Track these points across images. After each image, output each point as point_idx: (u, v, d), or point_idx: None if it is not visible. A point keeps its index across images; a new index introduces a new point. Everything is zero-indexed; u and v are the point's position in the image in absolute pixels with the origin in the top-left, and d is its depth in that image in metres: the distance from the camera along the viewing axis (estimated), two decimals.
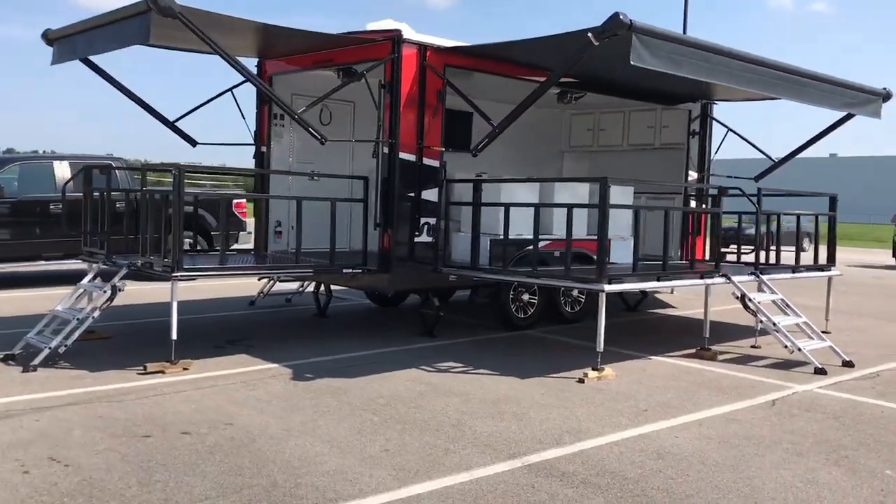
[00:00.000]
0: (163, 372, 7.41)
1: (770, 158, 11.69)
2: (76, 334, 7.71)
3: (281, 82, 10.47)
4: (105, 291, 7.87)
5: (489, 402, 6.73)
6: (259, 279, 11.90)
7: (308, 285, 12.43)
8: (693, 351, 9.00)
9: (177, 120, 9.91)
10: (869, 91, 10.26)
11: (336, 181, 10.88)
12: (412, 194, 8.87)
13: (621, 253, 10.81)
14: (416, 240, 8.94)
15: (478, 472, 5.04)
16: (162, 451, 5.27)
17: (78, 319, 7.72)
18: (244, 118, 10.46)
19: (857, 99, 10.06)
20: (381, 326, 10.40)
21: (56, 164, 13.54)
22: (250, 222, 11.90)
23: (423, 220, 8.96)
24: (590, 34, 7.10)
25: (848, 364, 8.47)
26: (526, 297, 10.15)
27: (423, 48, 8.81)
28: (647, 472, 5.13)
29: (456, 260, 9.38)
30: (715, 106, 12.49)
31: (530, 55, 8.97)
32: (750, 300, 8.67)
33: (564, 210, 9.26)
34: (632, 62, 7.08)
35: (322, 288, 11.01)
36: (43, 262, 13.41)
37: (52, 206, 13.26)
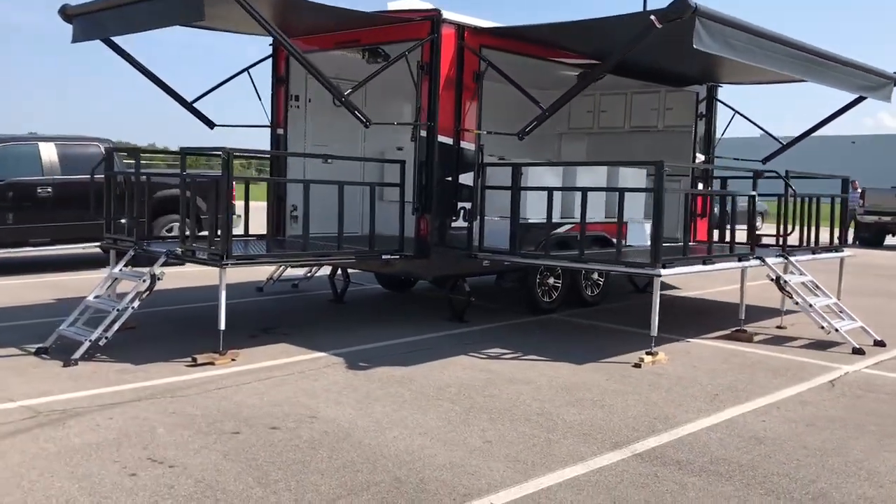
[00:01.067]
0: (212, 363, 7.16)
1: (778, 141, 11.83)
2: (116, 326, 7.38)
3: (297, 63, 10.15)
4: (144, 280, 7.54)
5: (559, 389, 6.67)
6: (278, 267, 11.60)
7: (316, 270, 12.19)
8: (728, 332, 9.09)
9: (195, 101, 9.56)
10: (881, 74, 10.44)
11: (347, 165, 10.68)
12: (449, 178, 8.71)
13: (637, 236, 10.90)
14: (454, 224, 8.79)
15: (594, 463, 4.98)
16: (261, 449, 5.07)
17: (118, 310, 7.39)
18: (260, 99, 10.17)
19: (872, 82, 10.24)
20: (405, 312, 10.24)
21: (42, 145, 12.95)
22: (239, 205, 11.68)
23: (459, 205, 8.82)
24: (652, 17, 7.03)
25: (880, 343, 8.65)
26: (551, 280, 10.11)
27: (461, 28, 8.63)
28: (757, 458, 5.14)
29: (484, 244, 9.26)
30: (719, 88, 12.59)
31: (577, 38, 8.87)
32: (785, 282, 8.78)
33: (597, 195, 9.31)
34: (694, 46, 7.05)
35: (339, 273, 10.80)
36: (30, 249, 12.87)
37: (39, 190, 12.72)
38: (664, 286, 13.05)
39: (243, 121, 10.29)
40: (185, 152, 7.58)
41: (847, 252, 11.01)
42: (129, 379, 6.63)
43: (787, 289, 8.79)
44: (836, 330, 8.53)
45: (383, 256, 8.48)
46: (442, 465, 4.87)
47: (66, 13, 8.28)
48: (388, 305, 10.82)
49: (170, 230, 14.13)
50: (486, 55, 8.79)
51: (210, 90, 9.71)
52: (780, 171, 10.06)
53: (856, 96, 10.71)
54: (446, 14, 8.46)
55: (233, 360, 7.31)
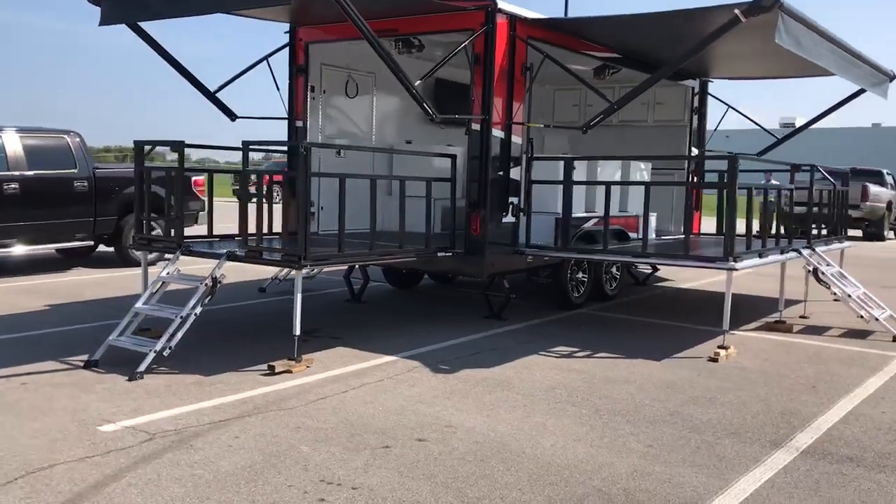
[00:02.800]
0: (290, 371, 6.70)
1: (772, 135, 12.13)
2: (180, 334, 6.80)
3: (316, 52, 9.68)
4: (206, 283, 6.98)
5: (663, 387, 6.57)
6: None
7: (320, 270, 11.68)
8: (768, 323, 9.25)
9: (217, 91, 8.97)
10: (882, 70, 10.84)
11: (366, 158, 10.31)
12: (501, 173, 8.48)
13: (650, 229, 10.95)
14: (504, 220, 8.57)
15: (772, 463, 4.88)
16: (429, 464, 4.74)
17: (181, 317, 6.80)
18: (279, 89, 9.65)
19: (877, 78, 10.60)
20: (433, 310, 9.92)
21: (4, 135, 11.87)
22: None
23: (509, 200, 8.61)
24: (737, 11, 7.01)
25: None
26: (580, 275, 10.03)
27: (512, 19, 8.39)
28: None
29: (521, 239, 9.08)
30: (710, 83, 12.82)
31: (640, 32, 8.75)
32: (822, 273, 8.99)
33: (614, 189, 9.30)
34: (776, 41, 7.08)
35: (357, 272, 10.39)
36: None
37: (4, 186, 11.67)
38: (658, 278, 13.23)
39: (257, 112, 9.73)
40: (247, 146, 7.03)
41: (847, 244, 11.40)
42: (214, 392, 6.11)
43: (825, 280, 9.00)
44: (877, 319, 8.79)
45: (439, 254, 8.16)
46: (627, 473, 4.68)
47: None
48: (410, 304, 10.47)
49: None
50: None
51: (232, 79, 9.14)
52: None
53: (857, 89, 11.06)
54: (500, 4, 8.20)
55: (307, 367, 6.87)
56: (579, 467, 4.75)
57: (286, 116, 9.58)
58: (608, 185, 8.42)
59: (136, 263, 13.16)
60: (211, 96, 8.86)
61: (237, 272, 11.55)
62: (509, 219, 8.63)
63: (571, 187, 8.49)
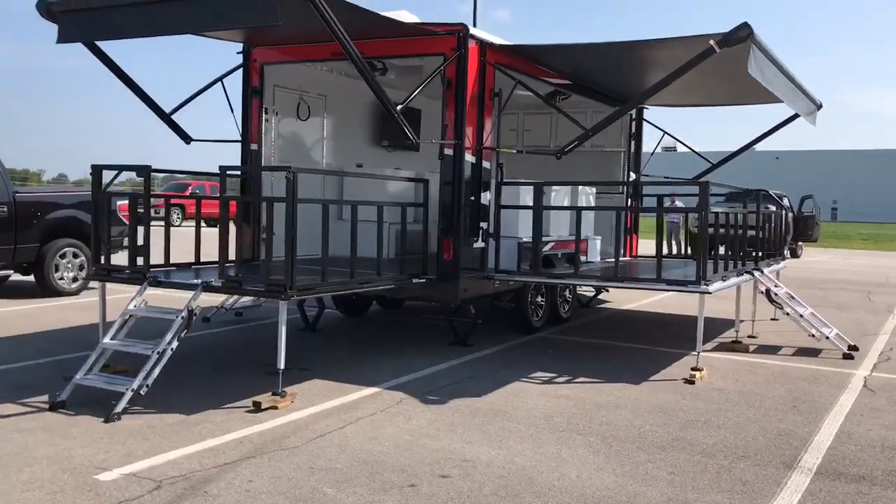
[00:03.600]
0: (276, 407, 6.41)
1: (707, 160, 12.55)
2: (156, 371, 6.39)
3: (270, 74, 9.40)
4: (181, 317, 6.60)
5: (655, 411, 6.61)
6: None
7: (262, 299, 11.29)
8: (720, 343, 9.54)
9: (172, 112, 8.57)
10: (813, 100, 11.40)
11: (316, 183, 10.05)
12: (472, 198, 8.42)
13: (594, 252, 11.18)
14: (475, 245, 8.50)
15: (793, 485, 4.97)
16: (464, 501, 4.59)
17: (158, 353, 6.39)
18: (233, 111, 9.32)
19: (809, 107, 11.14)
20: (393, 337, 9.75)
21: None
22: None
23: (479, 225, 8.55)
24: (712, 42, 7.21)
25: (853, 348, 9.37)
26: (539, 299, 10.06)
27: (482, 45, 8.38)
28: None
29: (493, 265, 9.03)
30: (646, 109, 13.17)
31: (607, 59, 8.86)
32: (775, 294, 9.32)
33: (564, 213, 9.43)
34: (749, 71, 7.32)
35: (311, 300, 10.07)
36: None
37: None
38: (599, 300, 13.42)
39: (207, 135, 9.36)
40: (224, 170, 6.71)
41: (783, 264, 11.89)
42: (204, 432, 5.77)
43: (777, 300, 9.33)
44: (827, 337, 9.17)
45: (413, 280, 8.02)
46: (664, 502, 4.66)
47: (49, 10, 7.09)
48: (366, 331, 10.26)
49: (63, 255, 12.56)
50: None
51: (186, 101, 8.74)
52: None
53: (788, 117, 11.59)
54: (472, 29, 8.18)
55: (292, 402, 6.59)
56: (614, 498, 4.70)
57: (240, 139, 9.24)
58: (578, 209, 8.49)
59: (59, 293, 12.42)
60: (166, 118, 8.45)
61: (169, 301, 11.03)
62: (479, 244, 8.58)
63: (541, 212, 8.50)
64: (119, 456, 5.24)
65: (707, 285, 7.83)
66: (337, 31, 6.37)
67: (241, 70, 9.31)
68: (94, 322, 10.27)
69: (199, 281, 6.86)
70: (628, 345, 9.57)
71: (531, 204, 9.39)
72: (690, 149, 12.86)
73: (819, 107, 11.77)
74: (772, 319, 11.07)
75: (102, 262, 7.50)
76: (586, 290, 12.61)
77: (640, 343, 9.68)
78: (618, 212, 10.79)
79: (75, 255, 12.80)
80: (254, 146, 9.33)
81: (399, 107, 7.38)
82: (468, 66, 8.15)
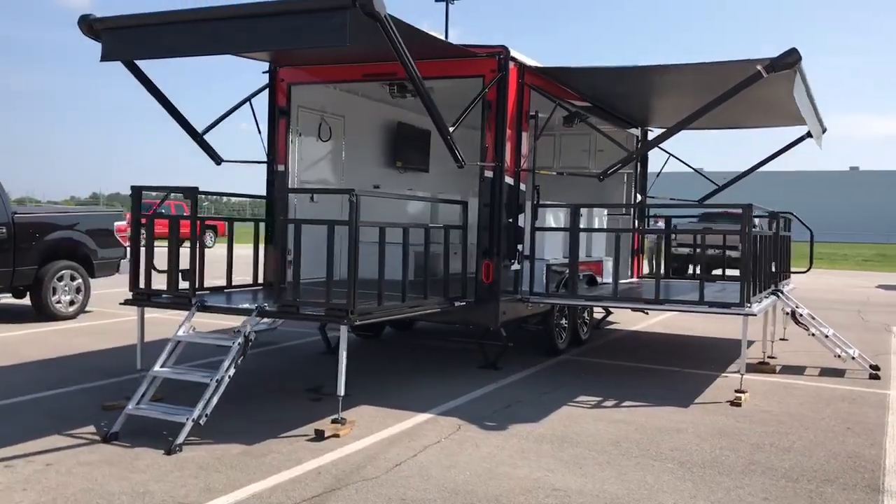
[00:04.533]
0: (337, 436, 6.24)
1: (713, 182, 12.68)
2: (215, 400, 6.19)
3: (298, 94, 9.26)
4: (236, 343, 6.41)
5: (717, 435, 6.59)
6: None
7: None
8: (747, 363, 9.54)
9: (204, 132, 8.36)
10: (822, 123, 11.60)
11: (332, 203, 9.89)
12: (510, 220, 8.37)
13: (608, 273, 11.21)
14: (512, 268, 8.45)
15: None
16: None
17: (216, 381, 6.19)
18: (260, 132, 9.15)
19: (818, 129, 11.33)
20: (420, 360, 9.62)
21: None
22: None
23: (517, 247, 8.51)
24: (759, 67, 7.29)
25: (875, 368, 9.51)
26: (563, 322, 10.03)
27: (521, 67, 8.36)
28: None
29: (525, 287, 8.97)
30: (650, 132, 13.28)
31: (642, 83, 8.88)
32: (800, 315, 9.42)
33: (582, 234, 9.37)
34: (794, 94, 7.42)
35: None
36: None
37: None
38: (609, 322, 13.41)
39: (235, 156, 9.14)
40: (291, 190, 6.55)
41: (791, 285, 12.04)
42: (275, 463, 5.59)
43: (803, 321, 9.43)
44: (853, 358, 9.28)
45: (456, 304, 7.92)
46: None
47: (91, 26, 6.86)
48: (388, 355, 10.10)
49: (60, 278, 12.17)
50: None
51: (217, 121, 8.55)
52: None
53: (796, 139, 11.75)
54: (512, 52, 8.16)
55: (351, 429, 6.42)
56: None
57: (267, 160, 9.07)
58: (618, 231, 8.50)
59: (57, 317, 12.02)
60: (199, 138, 8.25)
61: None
62: (516, 266, 8.52)
63: (577, 235, 8.49)
64: (199, 490, 5.04)
65: (750, 307, 7.86)
66: (403, 54, 6.28)
67: (266, 90, 9.14)
68: (103, 347, 10.04)
69: (254, 306, 6.66)
70: (655, 367, 9.57)
71: (555, 225, 9.44)
72: (697, 171, 12.98)
73: (825, 130, 12.01)
74: (781, 339, 11.19)
75: (142, 286, 7.22)
76: (597, 312, 12.60)
77: (667, 365, 9.69)
78: (639, 233, 10.82)
79: (73, 278, 12.42)
80: (280, 167, 9.15)
81: (452, 129, 7.29)
82: (508, 88, 8.12)
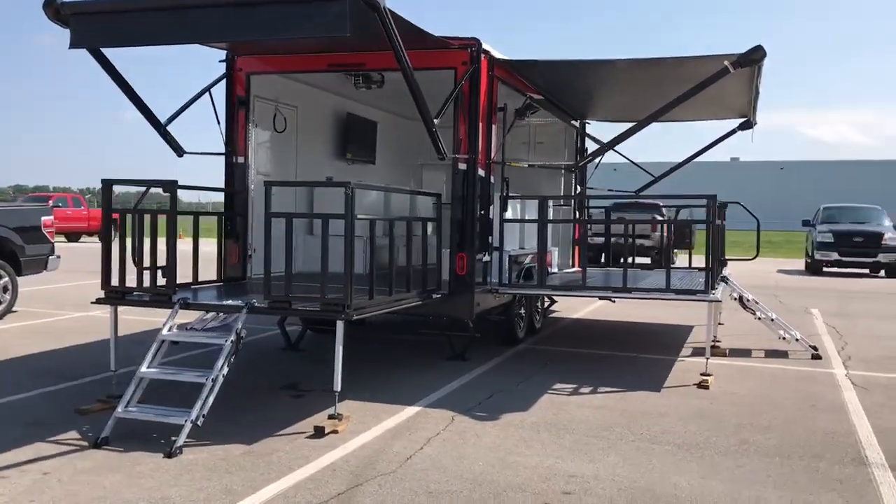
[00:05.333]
0: (336, 431, 6.19)
1: (649, 174, 13.07)
2: (211, 400, 6.01)
3: (257, 84, 9.04)
4: (229, 342, 6.24)
5: (697, 417, 6.85)
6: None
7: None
8: (694, 349, 9.98)
9: (167, 123, 8.06)
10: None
11: (290, 195, 9.74)
12: (482, 212, 8.43)
13: (556, 263, 11.52)
14: (484, 259, 8.52)
15: (886, 480, 5.32)
16: None
17: (212, 380, 6.01)
18: (219, 123, 8.90)
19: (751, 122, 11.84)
20: (382, 354, 9.58)
21: None
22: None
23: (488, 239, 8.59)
24: (726, 62, 7.59)
25: (814, 348, 10.04)
26: (521, 311, 10.18)
27: (491, 59, 8.42)
28: None
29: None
30: (588, 124, 13.58)
31: (608, 77, 9.06)
32: (747, 300, 9.88)
33: (532, 226, 9.54)
34: (758, 87, 7.77)
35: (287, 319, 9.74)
36: None
37: None
38: (551, 311, 13.67)
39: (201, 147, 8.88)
40: (269, 185, 6.39)
41: (727, 270, 12.58)
42: (286, 462, 5.49)
43: (750, 306, 9.89)
44: (797, 339, 9.80)
45: (434, 296, 7.94)
46: None
47: (58, 11, 6.50)
48: (352, 348, 9.97)
49: None
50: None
51: (179, 111, 8.24)
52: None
53: (728, 132, 12.27)
54: (483, 44, 8.21)
55: (347, 424, 6.37)
56: None
57: (226, 151, 8.83)
58: (586, 222, 8.68)
59: None
60: (161, 129, 7.95)
61: (151, 324, 10.38)
62: (486, 258, 8.60)
63: (546, 226, 8.63)
64: (219, 492, 4.91)
65: (715, 293, 8.20)
66: (397, 44, 6.23)
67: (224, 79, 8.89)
68: (44, 349, 9.53)
69: (243, 303, 6.49)
70: (613, 353, 9.85)
71: (513, 217, 9.57)
72: (634, 163, 13.36)
73: (755, 123, 12.58)
74: (718, 324, 11.69)
75: (115, 283, 6.91)
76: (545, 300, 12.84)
77: (623, 351, 9.98)
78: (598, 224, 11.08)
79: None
80: (240, 159, 8.92)
81: (436, 120, 7.29)
82: (481, 80, 8.17)
